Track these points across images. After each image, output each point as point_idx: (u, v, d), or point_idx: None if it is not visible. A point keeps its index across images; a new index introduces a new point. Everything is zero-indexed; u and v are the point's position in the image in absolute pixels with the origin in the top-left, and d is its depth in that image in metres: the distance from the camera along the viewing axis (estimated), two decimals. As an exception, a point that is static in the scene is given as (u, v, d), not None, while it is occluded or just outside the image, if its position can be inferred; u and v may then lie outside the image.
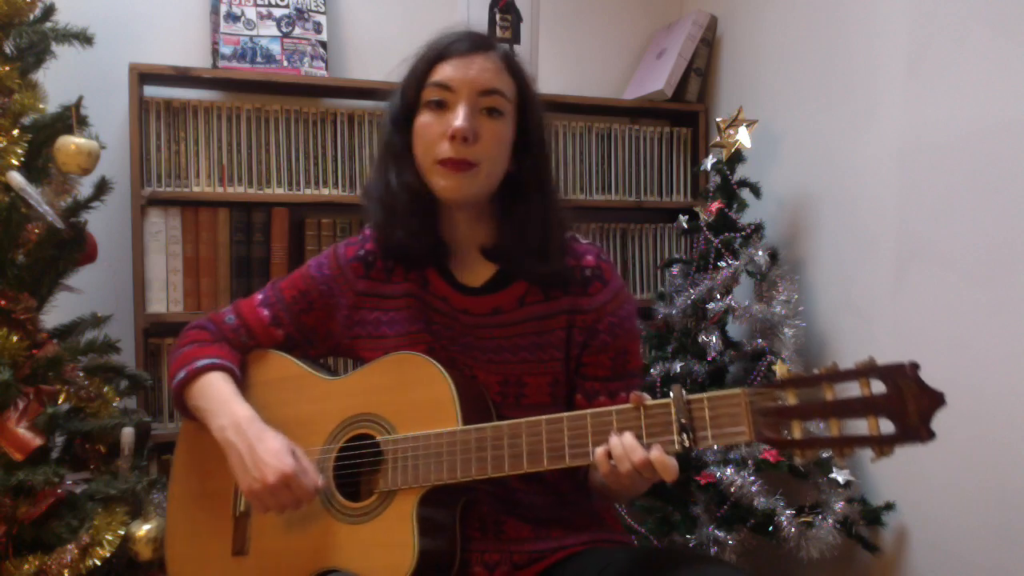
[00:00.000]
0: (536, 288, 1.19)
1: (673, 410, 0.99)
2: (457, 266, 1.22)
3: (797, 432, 0.94)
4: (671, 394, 1.00)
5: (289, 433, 1.15)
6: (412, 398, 1.14)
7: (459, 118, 1.11)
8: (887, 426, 0.90)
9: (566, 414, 1.06)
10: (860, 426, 0.91)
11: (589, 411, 1.05)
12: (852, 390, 0.91)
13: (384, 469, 1.13)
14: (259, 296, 1.31)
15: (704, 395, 0.99)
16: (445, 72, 1.14)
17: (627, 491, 1.08)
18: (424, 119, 1.15)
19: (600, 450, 1.01)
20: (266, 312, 1.28)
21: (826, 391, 0.93)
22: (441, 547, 1.11)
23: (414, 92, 1.16)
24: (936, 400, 0.87)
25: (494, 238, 1.20)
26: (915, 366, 0.89)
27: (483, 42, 1.17)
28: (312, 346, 1.29)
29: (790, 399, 0.94)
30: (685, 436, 0.98)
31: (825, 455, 1.84)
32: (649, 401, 1.02)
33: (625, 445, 0.99)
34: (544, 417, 1.07)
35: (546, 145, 1.22)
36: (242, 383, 1.23)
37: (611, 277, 1.21)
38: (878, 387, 0.90)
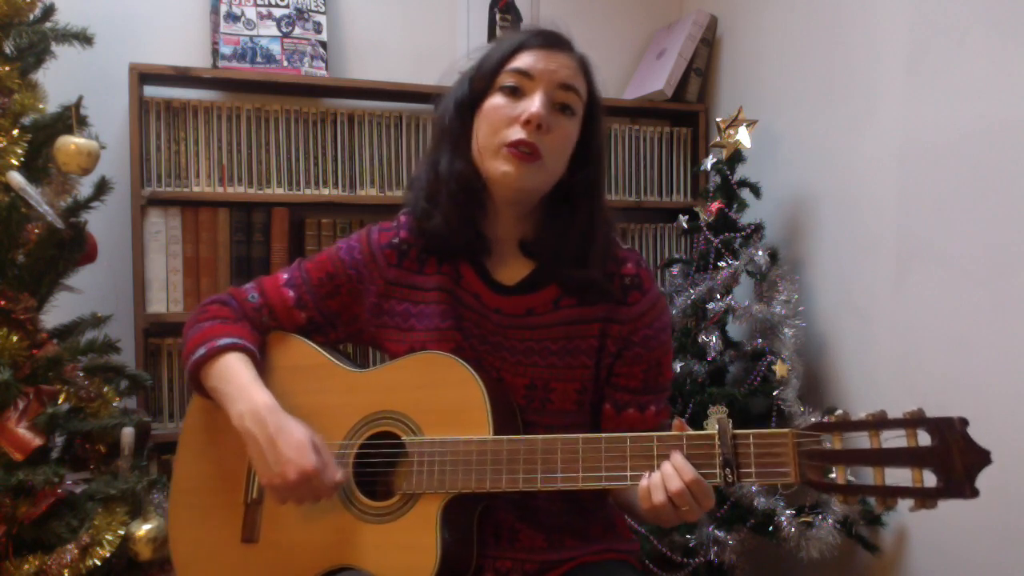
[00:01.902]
0: (572, 292, 1.17)
1: (717, 443, 0.98)
2: (493, 262, 1.19)
3: (840, 477, 0.94)
4: (716, 426, 0.99)
5: (307, 423, 1.12)
6: (441, 400, 1.11)
7: (536, 104, 1.09)
8: (930, 478, 0.89)
9: (604, 435, 1.04)
10: (903, 475, 0.91)
11: (629, 434, 1.03)
12: (898, 439, 0.91)
13: (408, 470, 1.10)
14: (284, 276, 1.26)
15: (751, 432, 0.98)
16: (526, 60, 1.12)
17: (659, 520, 1.05)
18: (496, 101, 1.12)
19: (647, 478, 1.00)
20: (291, 293, 1.24)
21: (871, 438, 0.92)
22: (461, 552, 1.10)
23: (487, 78, 1.14)
24: (983, 458, 0.88)
25: (537, 236, 1.18)
26: (964, 421, 0.89)
27: (566, 41, 1.16)
28: (334, 329, 1.25)
29: (836, 443, 0.94)
30: (728, 471, 0.97)
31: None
32: (692, 431, 1.01)
33: (676, 465, 0.99)
34: (581, 436, 1.05)
35: (604, 157, 1.20)
36: (262, 366, 1.19)
37: (650, 286, 1.18)
38: (924, 438, 0.90)
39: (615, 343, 1.16)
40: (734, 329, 2.12)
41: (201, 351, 1.16)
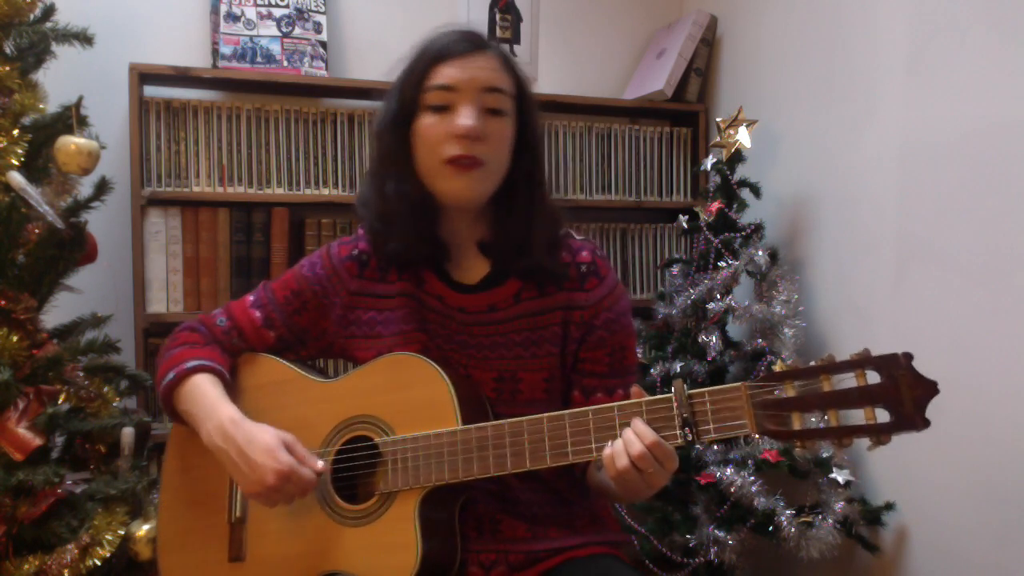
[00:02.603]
0: (531, 284, 1.19)
1: (675, 405, 1.00)
2: (453, 264, 1.22)
3: (797, 424, 0.95)
4: (672, 389, 1.01)
5: None
6: (410, 399, 1.13)
7: (467, 117, 1.10)
8: (883, 415, 0.91)
9: (568, 411, 1.06)
10: (857, 416, 0.93)
11: (591, 407, 1.05)
12: (849, 381, 0.93)
13: (383, 471, 1.12)
14: (250, 297, 1.29)
15: (705, 390, 1.00)
16: (446, 73, 1.12)
17: (629, 491, 1.08)
18: (427, 121, 1.13)
19: (610, 446, 1.02)
20: (258, 314, 1.26)
21: (823, 382, 0.94)
22: (443, 547, 1.11)
23: (412, 96, 1.15)
24: (930, 388, 0.89)
25: (491, 234, 1.20)
26: (908, 356, 0.91)
27: (481, 41, 1.17)
28: (304, 346, 1.28)
29: (789, 391, 0.96)
30: (688, 430, 0.99)
31: (825, 454, 1.85)
32: (650, 397, 1.03)
33: (637, 429, 1.01)
34: (545, 415, 1.07)
35: (541, 144, 1.22)
36: (233, 387, 1.22)
37: (607, 273, 1.21)
38: (873, 377, 0.92)
39: (578, 329, 1.18)
40: (734, 329, 2.12)
41: (170, 375, 1.19)
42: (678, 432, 1.00)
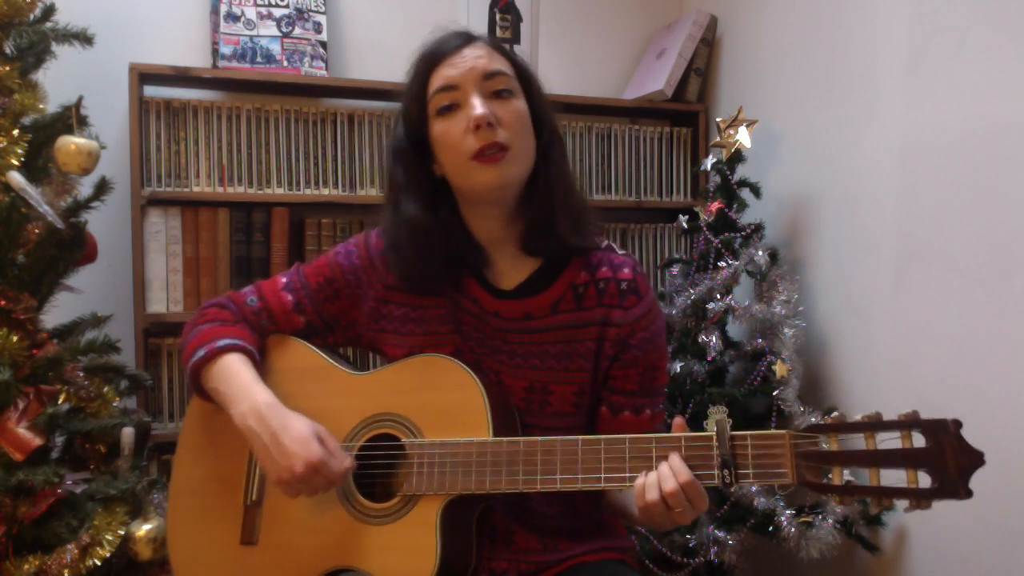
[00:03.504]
0: (570, 295, 1.17)
1: (716, 444, 0.99)
2: (491, 268, 1.20)
3: (837, 479, 0.95)
4: (714, 427, 1.00)
5: None
6: (440, 402, 1.12)
7: (475, 107, 1.09)
8: (924, 479, 0.90)
9: (603, 436, 1.05)
10: (898, 476, 0.92)
11: (628, 436, 1.04)
12: (893, 440, 0.92)
13: (407, 472, 1.11)
14: (283, 279, 1.27)
15: (748, 433, 0.98)
16: (444, 74, 1.12)
17: (652, 521, 1.05)
18: (440, 127, 1.13)
19: (643, 477, 1.01)
20: (290, 297, 1.24)
21: (867, 439, 0.93)
22: (460, 554, 1.10)
23: (418, 110, 1.15)
24: (976, 459, 0.89)
25: (528, 228, 1.18)
26: (957, 423, 0.90)
27: (468, 34, 1.17)
28: (332, 333, 1.26)
29: (833, 444, 0.95)
30: (726, 472, 0.98)
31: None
32: (691, 433, 1.02)
33: (673, 466, 0.99)
34: (581, 437, 1.05)
35: (555, 121, 1.20)
36: (261, 368, 1.19)
37: (646, 291, 1.19)
38: (919, 440, 0.91)
39: (612, 346, 1.16)
40: (734, 329, 2.12)
41: (201, 353, 1.17)
42: (716, 472, 0.98)
